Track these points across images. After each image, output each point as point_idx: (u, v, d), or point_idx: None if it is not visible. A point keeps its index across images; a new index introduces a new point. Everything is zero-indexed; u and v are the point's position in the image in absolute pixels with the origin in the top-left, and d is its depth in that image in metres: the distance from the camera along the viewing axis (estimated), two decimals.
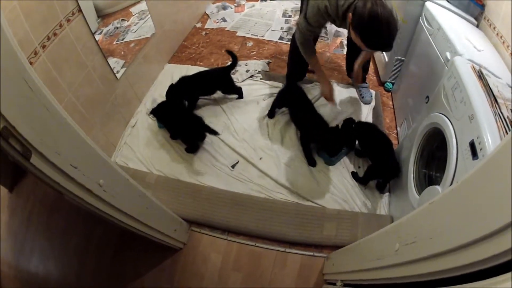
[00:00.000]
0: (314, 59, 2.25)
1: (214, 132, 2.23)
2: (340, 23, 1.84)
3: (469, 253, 0.61)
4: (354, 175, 2.21)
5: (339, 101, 2.68)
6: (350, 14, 1.64)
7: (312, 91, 2.73)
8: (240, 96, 2.71)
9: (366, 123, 2.31)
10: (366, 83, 2.72)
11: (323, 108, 2.55)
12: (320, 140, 2.21)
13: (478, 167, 0.64)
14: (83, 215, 2.04)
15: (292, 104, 2.42)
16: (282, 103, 2.53)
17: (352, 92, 2.76)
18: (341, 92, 2.77)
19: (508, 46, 1.80)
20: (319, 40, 3.28)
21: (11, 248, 2.07)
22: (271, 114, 2.57)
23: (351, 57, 2.57)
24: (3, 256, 2.04)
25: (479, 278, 0.61)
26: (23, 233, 2.10)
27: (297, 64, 2.60)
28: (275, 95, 2.64)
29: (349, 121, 2.27)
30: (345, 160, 2.32)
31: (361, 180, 2.17)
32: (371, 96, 2.69)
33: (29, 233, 2.09)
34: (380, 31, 1.59)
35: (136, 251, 1.97)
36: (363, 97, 2.67)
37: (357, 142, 2.28)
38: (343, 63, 3.02)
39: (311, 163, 2.28)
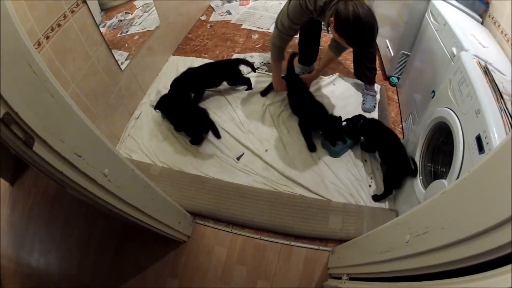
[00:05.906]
0: (278, 65, 2.35)
1: (217, 134, 2.23)
2: (318, 15, 1.90)
3: (482, 242, 0.60)
4: (375, 197, 2.08)
5: (343, 95, 2.68)
6: (332, 18, 1.70)
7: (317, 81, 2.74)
8: (250, 87, 2.71)
9: (373, 120, 2.27)
10: (375, 91, 2.65)
11: (326, 100, 2.56)
12: (318, 127, 2.23)
13: (491, 156, 0.63)
14: (85, 208, 2.05)
15: (290, 92, 2.43)
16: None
17: (356, 86, 2.74)
18: (345, 86, 2.76)
19: None
20: (323, 34, 3.26)
21: (12, 242, 2.07)
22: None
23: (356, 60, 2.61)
24: (3, 250, 2.04)
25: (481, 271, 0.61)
26: (24, 227, 2.10)
27: (307, 50, 2.68)
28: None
29: (358, 117, 2.25)
30: (350, 153, 2.30)
31: (384, 195, 2.06)
32: (374, 105, 2.60)
33: (30, 227, 2.09)
34: (363, 32, 1.69)
35: (138, 244, 1.96)
36: (364, 104, 2.60)
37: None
38: (347, 56, 3.00)
39: (311, 147, 2.29)
